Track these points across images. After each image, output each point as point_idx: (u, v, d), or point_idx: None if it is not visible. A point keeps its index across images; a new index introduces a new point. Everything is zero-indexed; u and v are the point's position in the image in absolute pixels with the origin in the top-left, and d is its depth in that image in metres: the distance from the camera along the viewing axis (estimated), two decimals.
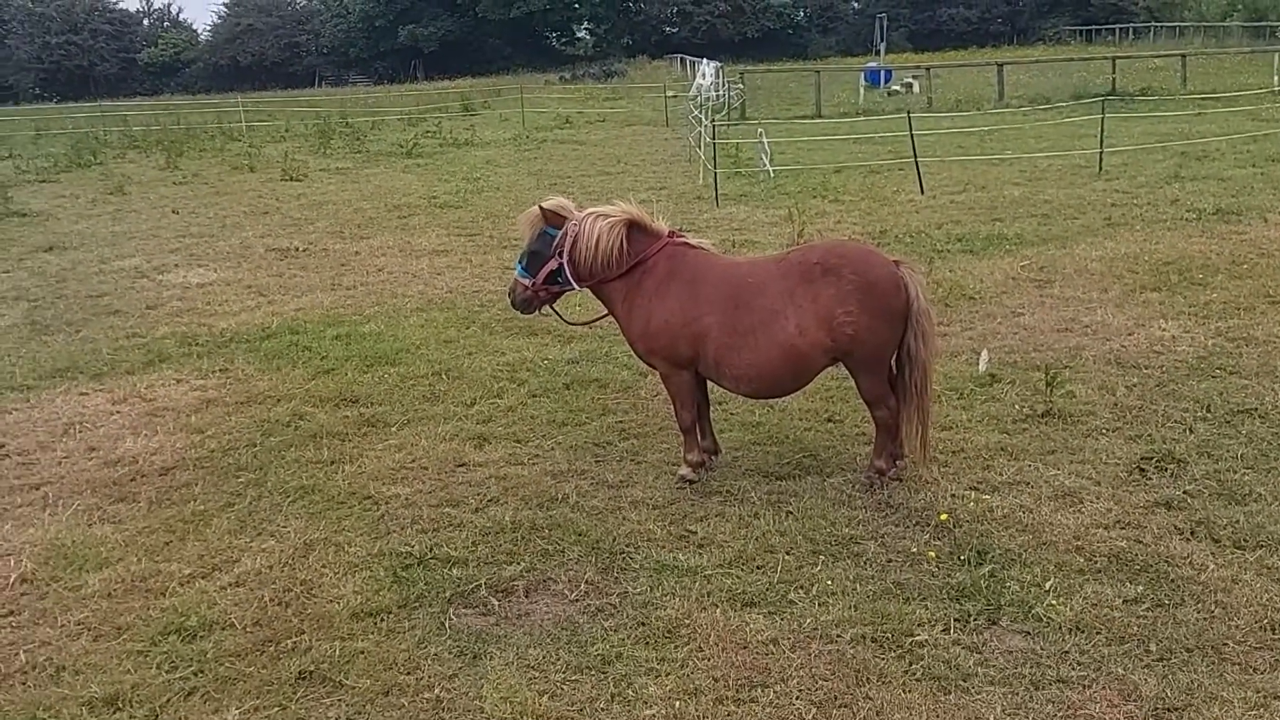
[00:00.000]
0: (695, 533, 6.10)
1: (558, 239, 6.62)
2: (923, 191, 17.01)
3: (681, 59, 57.68)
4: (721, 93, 33.74)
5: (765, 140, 20.50)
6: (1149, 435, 7.11)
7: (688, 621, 5.20)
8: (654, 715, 4.56)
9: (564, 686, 4.77)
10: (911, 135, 18.34)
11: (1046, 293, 10.63)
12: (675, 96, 35.72)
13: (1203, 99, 27.74)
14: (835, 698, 4.62)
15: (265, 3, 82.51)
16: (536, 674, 4.86)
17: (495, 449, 7.50)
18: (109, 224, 18.07)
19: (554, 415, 8.08)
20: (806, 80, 38.44)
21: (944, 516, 6.06)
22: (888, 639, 4.98)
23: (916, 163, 17.81)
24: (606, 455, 7.32)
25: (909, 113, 20.45)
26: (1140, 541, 5.75)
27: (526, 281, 6.77)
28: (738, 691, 4.68)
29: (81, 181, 23.82)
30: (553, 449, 7.45)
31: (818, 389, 7.96)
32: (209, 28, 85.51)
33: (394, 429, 7.96)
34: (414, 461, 7.33)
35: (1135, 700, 4.50)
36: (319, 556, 6.03)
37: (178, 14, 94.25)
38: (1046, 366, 7.99)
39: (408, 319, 10.99)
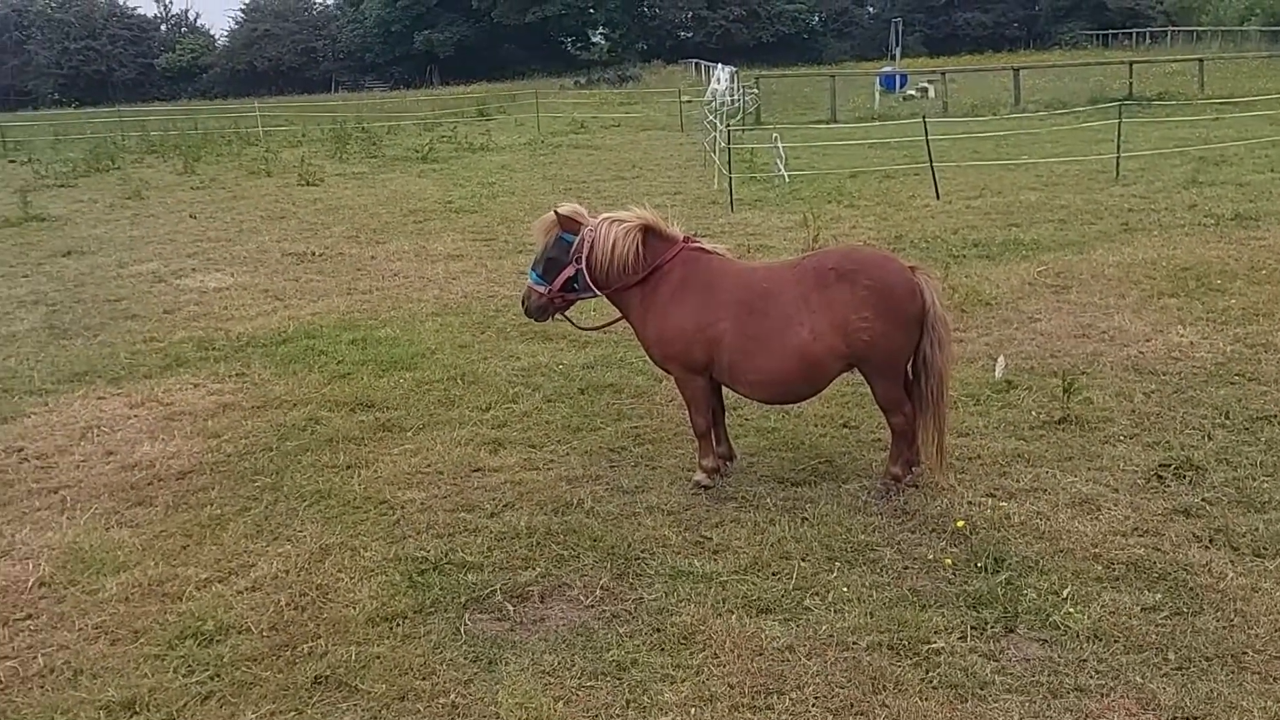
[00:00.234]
0: (710, 539, 6.09)
1: (575, 245, 6.60)
2: (938, 196, 16.97)
3: (696, 64, 57.75)
4: (736, 97, 33.71)
5: (780, 145, 20.49)
6: (1167, 442, 7.07)
7: (703, 628, 5.19)
8: None
9: (579, 692, 4.77)
10: (927, 140, 18.30)
11: (1063, 298, 10.59)
12: (690, 101, 35.72)
13: (1220, 104, 27.58)
14: (851, 705, 4.60)
15: (282, 8, 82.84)
16: (552, 680, 4.86)
17: (510, 454, 7.51)
18: (127, 228, 18.17)
19: (569, 420, 8.08)
20: (821, 85, 38.42)
21: (960, 523, 6.03)
22: (904, 646, 4.96)
23: (932, 168, 17.77)
24: (621, 461, 7.32)
25: (924, 117, 20.40)
26: (1158, 549, 5.71)
27: (542, 289, 6.73)
28: (753, 698, 4.67)
29: (100, 186, 23.96)
30: (568, 454, 7.45)
31: (833, 394, 7.94)
32: (226, 33, 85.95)
33: (409, 434, 7.98)
34: (429, 466, 7.34)
35: (1153, 709, 4.47)
36: (335, 561, 6.04)
37: (195, 19, 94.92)
38: (1064, 373, 7.96)
39: (423, 324, 11.01)
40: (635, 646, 5.08)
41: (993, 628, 5.08)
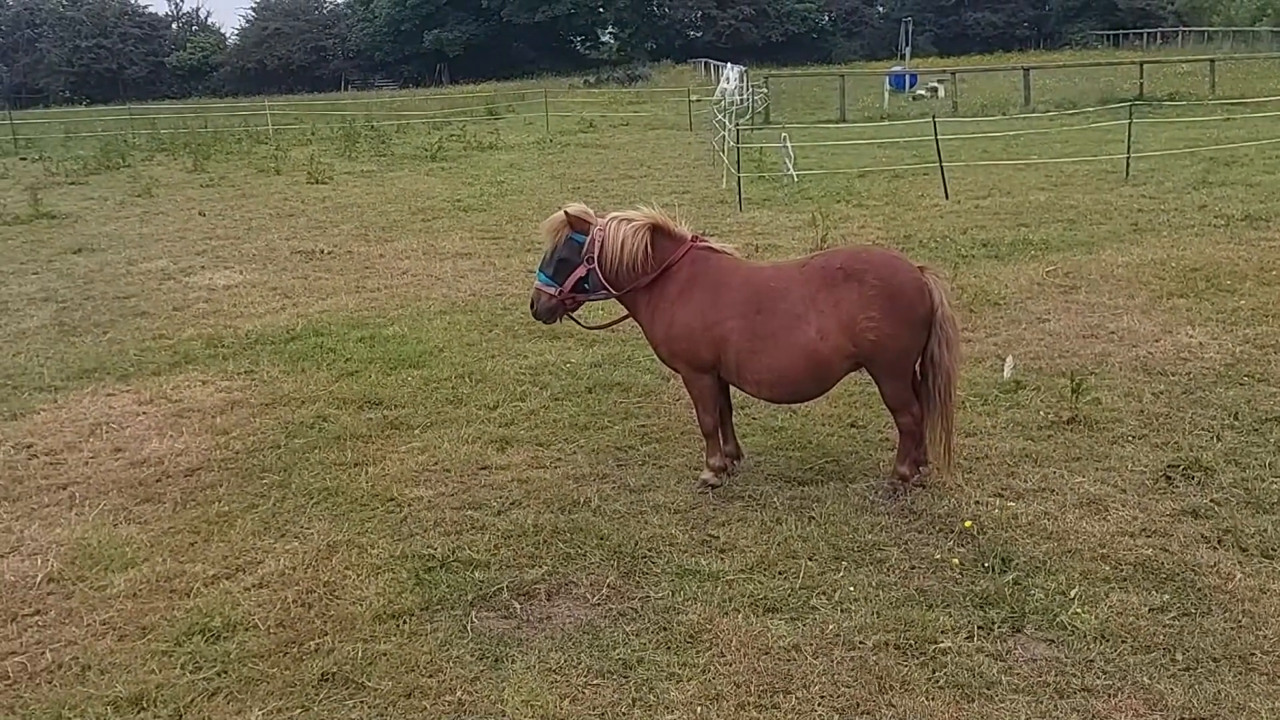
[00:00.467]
0: (717, 538, 6.09)
1: (585, 245, 6.59)
2: (947, 196, 16.94)
3: (706, 63, 57.69)
4: (745, 97, 33.70)
5: (789, 144, 20.47)
6: (1176, 443, 7.05)
7: (709, 627, 5.19)
8: None
9: (585, 691, 4.77)
10: (936, 140, 18.26)
11: (1072, 299, 10.56)
12: (699, 101, 35.73)
13: (1231, 104, 27.47)
14: (857, 705, 4.60)
15: (292, 7, 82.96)
16: (558, 678, 4.87)
17: (517, 452, 7.51)
18: (137, 226, 18.22)
19: (576, 419, 8.08)
20: (831, 85, 38.37)
21: (968, 523, 6.02)
22: (911, 646, 4.96)
23: (941, 167, 17.74)
24: (628, 459, 7.32)
25: (934, 117, 20.36)
26: (1166, 550, 5.70)
27: (552, 290, 6.69)
28: (759, 697, 4.67)
29: (110, 184, 24.02)
30: (575, 453, 7.46)
31: (840, 394, 7.93)
32: (236, 31, 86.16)
33: (417, 431, 7.99)
34: (437, 464, 7.35)
35: (1161, 710, 4.46)
36: (342, 558, 6.05)
37: (206, 18, 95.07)
38: (1072, 373, 7.94)
39: (431, 322, 11.02)
40: (641, 645, 5.08)
41: (1000, 628, 5.07)
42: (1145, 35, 62.64)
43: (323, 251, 15.23)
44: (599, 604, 5.48)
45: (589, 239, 6.56)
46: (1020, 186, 17.60)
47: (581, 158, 25.90)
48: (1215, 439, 7.09)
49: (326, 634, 5.28)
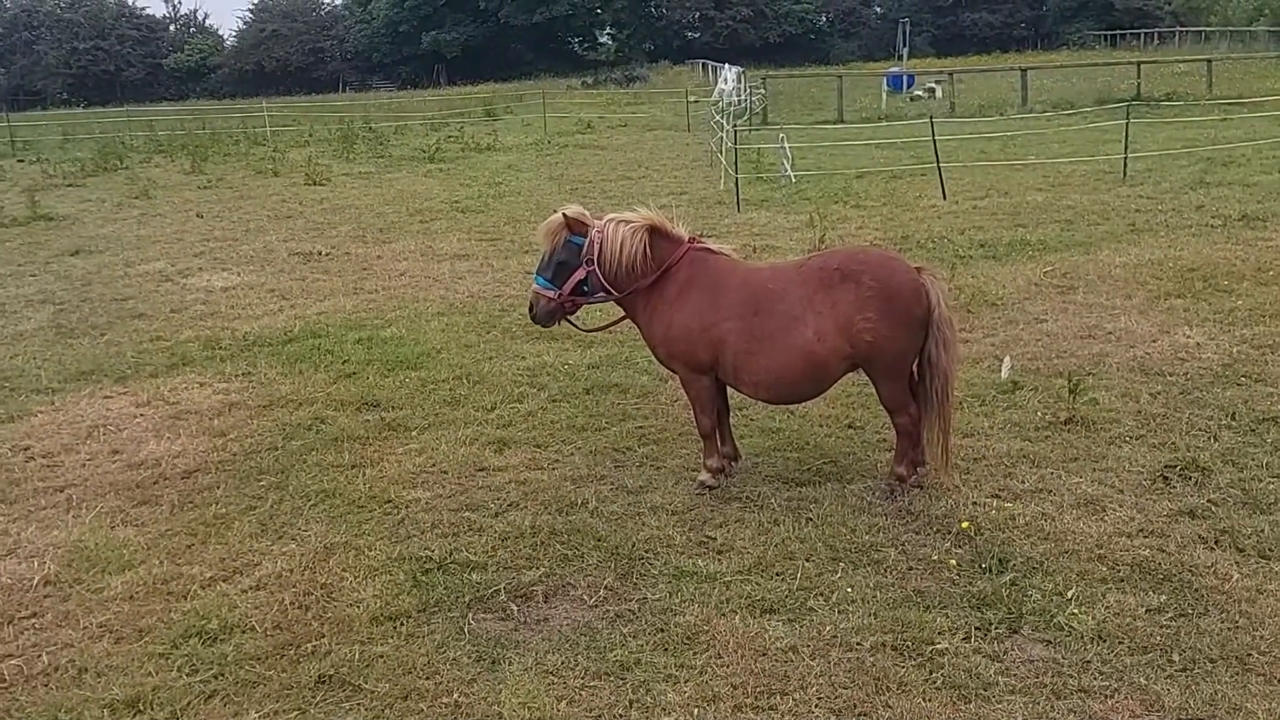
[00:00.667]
0: (714, 539, 6.09)
1: (584, 247, 6.56)
2: (945, 197, 16.94)
3: (703, 64, 57.68)
4: (743, 98, 33.70)
5: (787, 145, 20.47)
6: (1173, 443, 7.05)
7: (707, 628, 5.19)
8: None
9: (582, 692, 4.77)
10: (934, 140, 18.27)
11: (1069, 299, 10.57)
12: (697, 101, 35.73)
13: (1228, 104, 27.51)
14: (854, 706, 4.60)
15: (290, 8, 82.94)
16: (555, 680, 4.87)
17: (515, 454, 7.51)
18: (134, 228, 18.21)
19: (574, 420, 8.08)
20: (828, 85, 38.37)
21: (965, 524, 6.03)
22: (908, 647, 4.96)
23: (939, 168, 17.75)
24: (626, 460, 7.32)
25: (931, 118, 20.38)
26: (1164, 550, 5.70)
27: (551, 293, 6.63)
28: (757, 699, 4.67)
29: (108, 185, 24.01)
30: (572, 454, 7.46)
31: (838, 395, 7.93)
32: (234, 33, 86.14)
33: (414, 433, 7.99)
34: (434, 466, 7.35)
35: (1158, 711, 4.47)
36: (339, 560, 6.05)
37: (204, 20, 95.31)
38: (1069, 373, 7.94)
39: (429, 323, 11.02)
40: (639, 646, 5.08)
41: (997, 629, 5.08)
42: (1142, 35, 62.71)
43: (320, 253, 15.23)
44: (596, 605, 5.48)
45: (587, 241, 6.54)
46: (1017, 187, 17.61)
47: (579, 159, 25.90)
48: (1212, 439, 7.09)
49: (323, 636, 5.28)
